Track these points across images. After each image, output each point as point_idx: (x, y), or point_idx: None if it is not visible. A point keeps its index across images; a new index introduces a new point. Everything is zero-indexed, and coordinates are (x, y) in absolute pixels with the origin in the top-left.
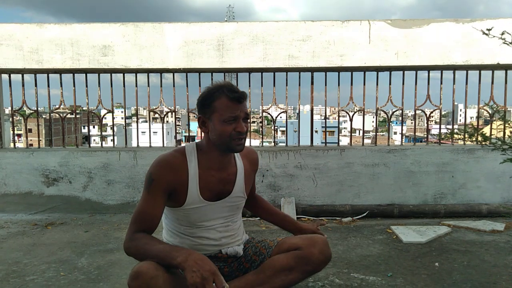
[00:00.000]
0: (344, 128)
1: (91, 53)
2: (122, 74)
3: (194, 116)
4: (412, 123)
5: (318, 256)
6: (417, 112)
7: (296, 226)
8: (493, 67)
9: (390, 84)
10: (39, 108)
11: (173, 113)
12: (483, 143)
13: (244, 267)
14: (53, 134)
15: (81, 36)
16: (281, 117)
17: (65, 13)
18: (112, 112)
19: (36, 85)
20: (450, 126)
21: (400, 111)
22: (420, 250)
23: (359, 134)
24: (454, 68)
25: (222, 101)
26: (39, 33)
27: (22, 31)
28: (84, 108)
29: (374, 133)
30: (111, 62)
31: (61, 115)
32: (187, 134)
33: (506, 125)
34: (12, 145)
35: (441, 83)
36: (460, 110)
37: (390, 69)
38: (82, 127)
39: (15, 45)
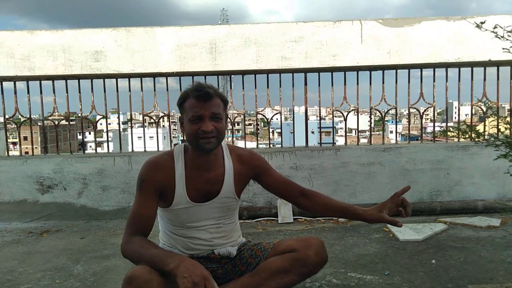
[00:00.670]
0: (340, 128)
1: (83, 59)
2: (115, 79)
3: None
4: (407, 121)
5: (314, 258)
6: (411, 110)
7: (360, 212)
8: (485, 64)
9: (383, 83)
10: (33, 116)
11: (168, 117)
12: (477, 139)
13: (240, 270)
14: (48, 141)
15: (73, 42)
16: (276, 119)
17: (58, 19)
18: (106, 117)
19: (28, 92)
20: (444, 124)
21: (394, 109)
22: (416, 247)
23: (355, 133)
24: (446, 65)
25: (189, 101)
26: (30, 40)
27: (14, 38)
28: (78, 115)
29: (369, 133)
30: (104, 68)
31: (55, 122)
32: (183, 138)
33: (499, 121)
34: (5, 153)
35: (434, 81)
36: (455, 107)
37: (383, 68)
38: (78, 134)
39: (7, 52)
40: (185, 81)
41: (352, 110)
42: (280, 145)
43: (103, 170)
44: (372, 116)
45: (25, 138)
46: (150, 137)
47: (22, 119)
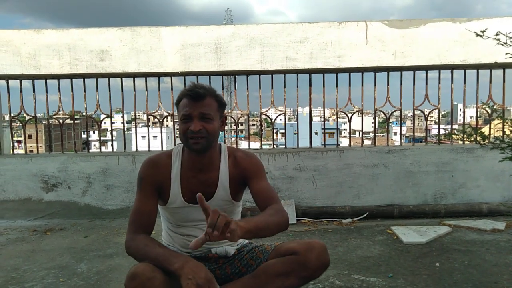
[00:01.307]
0: (344, 129)
1: (89, 58)
2: (120, 79)
3: None
4: (411, 123)
5: (315, 262)
6: (416, 112)
7: None
8: (491, 66)
9: (388, 84)
10: (38, 114)
11: (172, 117)
12: (482, 142)
13: (240, 271)
14: (53, 140)
15: (79, 41)
16: (280, 120)
17: (63, 19)
18: (111, 116)
19: (34, 91)
20: (449, 126)
21: (399, 111)
22: (420, 250)
23: (359, 135)
24: (452, 67)
25: (182, 101)
26: (36, 38)
27: (20, 37)
28: (83, 114)
29: (374, 134)
30: (109, 67)
31: (60, 120)
32: None
33: (505, 123)
34: (11, 151)
35: (439, 82)
36: (460, 109)
37: (388, 69)
38: (82, 133)
39: (13, 51)
40: (190, 81)
41: (357, 111)
42: (283, 146)
43: (107, 169)
44: (376, 118)
45: (30, 137)
46: (154, 136)
47: (27, 118)
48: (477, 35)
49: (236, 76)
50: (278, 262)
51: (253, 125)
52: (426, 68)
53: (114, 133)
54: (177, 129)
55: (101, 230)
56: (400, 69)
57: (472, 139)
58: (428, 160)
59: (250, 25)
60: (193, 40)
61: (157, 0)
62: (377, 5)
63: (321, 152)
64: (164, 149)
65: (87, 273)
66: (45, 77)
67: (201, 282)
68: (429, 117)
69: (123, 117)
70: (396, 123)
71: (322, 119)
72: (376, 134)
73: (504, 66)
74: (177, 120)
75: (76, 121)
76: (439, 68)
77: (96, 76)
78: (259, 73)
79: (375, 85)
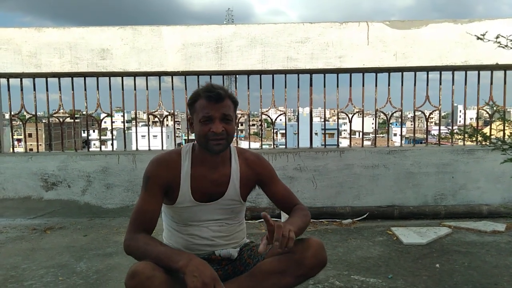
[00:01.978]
0: (344, 130)
1: (90, 56)
2: (120, 78)
3: None
4: (411, 124)
5: (311, 260)
6: (417, 113)
7: None
8: (492, 68)
9: (389, 85)
10: (38, 113)
11: (172, 116)
12: (483, 143)
13: (239, 270)
14: (53, 139)
15: (80, 40)
16: (280, 120)
17: (64, 18)
18: (111, 115)
19: (34, 89)
20: (450, 127)
21: (400, 112)
22: (420, 251)
23: (359, 136)
24: (453, 68)
25: (200, 102)
26: (37, 37)
27: (21, 35)
28: (83, 112)
29: (374, 135)
30: (110, 66)
31: (60, 119)
32: (187, 138)
33: (506, 125)
34: (11, 149)
35: (440, 84)
36: (460, 111)
37: (389, 70)
38: (82, 131)
39: (14, 49)
40: (191, 81)
41: (357, 112)
42: (284, 146)
43: (107, 168)
44: (377, 119)
45: (30, 135)
46: (154, 136)
47: (28, 116)
48: (478, 38)
49: (237, 76)
50: (274, 260)
51: (253, 125)
52: (427, 69)
53: (114, 132)
54: (177, 128)
55: (100, 229)
56: (401, 70)
57: (474, 139)
58: (429, 161)
59: (251, 25)
60: (194, 39)
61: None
62: (378, 5)
63: (321, 152)
64: (165, 148)
65: (86, 272)
66: (46, 75)
67: (207, 281)
68: (429, 118)
69: (123, 116)
70: (396, 124)
71: (323, 120)
72: (377, 135)
73: (505, 68)
74: (178, 120)
75: (76, 120)
76: (440, 69)
77: (97, 75)
78: (260, 73)
79: (376, 85)
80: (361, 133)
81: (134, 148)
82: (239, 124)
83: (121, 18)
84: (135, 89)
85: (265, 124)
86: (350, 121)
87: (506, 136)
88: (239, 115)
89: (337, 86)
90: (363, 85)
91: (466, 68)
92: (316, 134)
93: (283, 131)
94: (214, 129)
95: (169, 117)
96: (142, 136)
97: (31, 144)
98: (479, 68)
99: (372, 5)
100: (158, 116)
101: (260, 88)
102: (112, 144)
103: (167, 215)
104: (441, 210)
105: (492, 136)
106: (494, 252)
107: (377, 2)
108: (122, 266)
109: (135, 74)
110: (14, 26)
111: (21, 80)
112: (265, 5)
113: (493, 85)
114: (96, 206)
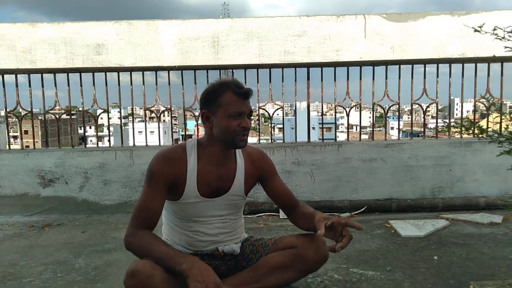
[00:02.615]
0: (342, 124)
1: (85, 52)
2: (116, 73)
3: (190, 115)
4: (409, 118)
5: (314, 256)
6: (414, 106)
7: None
8: (489, 60)
9: (386, 78)
10: (34, 109)
11: (169, 112)
12: (480, 135)
13: (241, 265)
14: (49, 135)
15: (75, 35)
16: (278, 114)
17: (58, 12)
18: (108, 111)
19: (30, 86)
20: (446, 120)
21: (397, 105)
22: (418, 244)
23: (357, 129)
24: (450, 61)
25: (228, 96)
26: (32, 32)
27: (15, 30)
28: (79, 109)
29: (371, 128)
30: (105, 61)
31: (56, 115)
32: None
33: (503, 117)
34: (7, 146)
35: (437, 76)
36: (457, 104)
37: (386, 63)
38: (79, 128)
39: (8, 45)
40: (187, 75)
41: (354, 105)
42: (281, 141)
43: (104, 164)
44: (374, 112)
45: (26, 132)
46: (151, 131)
47: (23, 113)
48: (475, 30)
49: (234, 70)
50: (277, 255)
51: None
52: (425, 62)
53: (111, 128)
54: (174, 124)
55: (98, 225)
56: (399, 62)
57: (471, 131)
58: (426, 154)
59: (248, 19)
60: (190, 33)
61: None
62: None
63: (319, 146)
64: (162, 143)
65: (85, 268)
66: (41, 71)
67: (211, 286)
68: (426, 111)
69: (120, 112)
70: (394, 118)
71: (320, 114)
72: (374, 129)
73: (502, 60)
74: (175, 115)
75: (72, 116)
76: (438, 62)
77: (93, 70)
78: (257, 67)
79: (373, 79)
80: (358, 127)
81: (131, 144)
82: None
83: (116, 13)
84: (131, 85)
85: (263, 118)
86: (348, 115)
87: (503, 129)
88: None
89: (335, 80)
90: (360, 79)
91: (463, 61)
92: (313, 128)
93: (281, 126)
94: (244, 124)
95: (166, 113)
96: (139, 132)
97: (27, 141)
98: (476, 60)
99: None
100: (155, 112)
101: (257, 82)
102: (109, 140)
103: (170, 211)
104: (438, 203)
105: (489, 129)
106: (491, 244)
107: None
108: (120, 262)
109: (131, 69)
110: (7, 22)
111: (16, 76)
112: None
113: (490, 77)
114: (94, 203)
